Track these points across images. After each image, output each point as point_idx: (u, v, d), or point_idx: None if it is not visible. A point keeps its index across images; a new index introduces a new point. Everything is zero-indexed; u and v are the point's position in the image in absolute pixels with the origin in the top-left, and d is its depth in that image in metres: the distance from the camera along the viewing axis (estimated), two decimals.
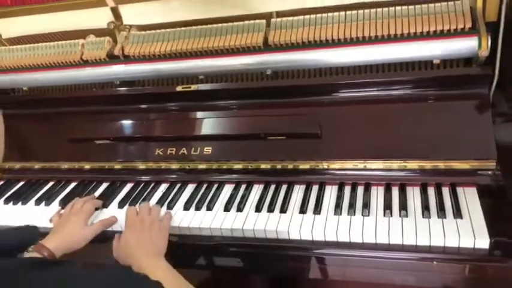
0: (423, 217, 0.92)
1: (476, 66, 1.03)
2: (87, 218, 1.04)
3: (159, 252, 0.90)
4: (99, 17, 1.29)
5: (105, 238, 1.01)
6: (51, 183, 1.30)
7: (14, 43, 1.40)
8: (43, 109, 1.34)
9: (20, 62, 1.34)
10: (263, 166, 1.11)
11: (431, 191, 0.99)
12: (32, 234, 0.51)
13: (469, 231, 0.87)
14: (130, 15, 1.29)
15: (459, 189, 0.98)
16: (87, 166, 1.27)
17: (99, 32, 1.32)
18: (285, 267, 1.00)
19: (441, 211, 0.92)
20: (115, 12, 1.29)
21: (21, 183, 1.32)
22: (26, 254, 0.79)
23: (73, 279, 0.45)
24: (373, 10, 1.10)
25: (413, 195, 0.99)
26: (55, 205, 1.19)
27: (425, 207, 0.94)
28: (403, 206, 0.95)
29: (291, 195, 1.06)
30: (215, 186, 1.14)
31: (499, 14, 1.00)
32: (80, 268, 0.49)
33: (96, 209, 1.12)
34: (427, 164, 1.01)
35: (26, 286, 0.41)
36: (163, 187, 1.18)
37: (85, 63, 1.31)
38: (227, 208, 1.05)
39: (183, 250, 1.02)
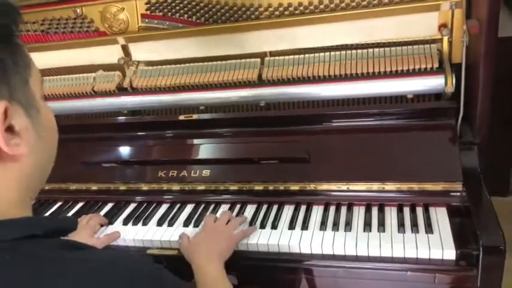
0: (398, 232, 1.03)
1: (444, 101, 1.17)
2: (92, 231, 1.15)
3: (221, 257, 0.99)
4: (111, 54, 1.44)
5: None
6: (59, 203, 1.40)
7: None
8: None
9: None
10: (256, 187, 1.23)
11: (406, 210, 1.10)
12: (73, 223, 0.61)
13: (438, 244, 0.97)
14: (139, 52, 1.43)
15: (431, 209, 1.09)
16: (94, 187, 1.37)
17: (109, 67, 1.47)
18: (276, 278, 1.09)
19: (414, 227, 1.03)
20: (125, 49, 1.44)
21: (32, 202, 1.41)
22: None
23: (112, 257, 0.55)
24: (354, 51, 1.25)
25: (391, 213, 1.10)
26: None
27: (401, 224, 1.05)
28: (381, 223, 1.06)
29: (281, 214, 1.16)
30: (212, 206, 1.25)
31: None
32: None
33: (102, 225, 1.22)
34: (403, 186, 1.12)
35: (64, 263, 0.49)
36: (164, 207, 1.28)
37: (96, 94, 1.45)
38: None
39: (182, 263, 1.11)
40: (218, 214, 1.20)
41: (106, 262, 0.50)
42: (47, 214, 1.34)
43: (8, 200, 0.51)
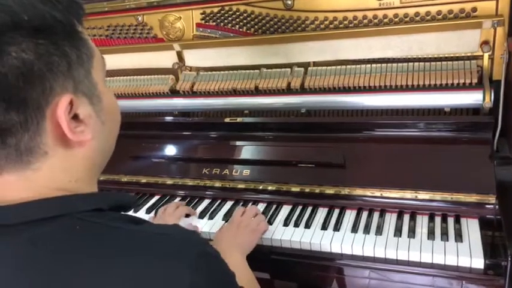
0: (428, 239, 1.06)
1: (482, 116, 1.20)
2: (179, 219, 1.23)
3: (243, 249, 1.05)
4: (167, 59, 1.56)
5: None
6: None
7: None
8: None
9: None
10: (293, 189, 1.29)
11: (437, 219, 1.13)
12: (132, 200, 0.68)
13: (467, 252, 1.00)
14: (192, 58, 1.55)
15: (463, 219, 1.11)
16: (143, 180, 1.49)
17: (164, 71, 1.59)
18: (306, 274, 1.15)
19: (444, 235, 1.06)
20: (179, 55, 1.56)
21: None
22: None
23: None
24: (395, 64, 1.30)
25: (422, 221, 1.13)
26: None
27: (431, 232, 1.08)
28: (412, 230, 1.10)
29: (315, 215, 1.22)
30: (250, 203, 1.32)
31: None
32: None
33: (187, 216, 1.29)
34: (436, 195, 1.14)
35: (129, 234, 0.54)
36: (206, 202, 1.37)
37: (151, 95, 1.57)
38: None
39: None
40: None
41: (161, 232, 0.56)
42: None
43: (77, 179, 0.58)
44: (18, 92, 0.49)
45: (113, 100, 0.63)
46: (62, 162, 0.55)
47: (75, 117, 0.54)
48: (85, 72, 0.55)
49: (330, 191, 1.26)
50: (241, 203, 1.33)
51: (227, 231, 1.11)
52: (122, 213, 0.61)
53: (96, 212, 0.55)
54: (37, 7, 0.49)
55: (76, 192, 0.57)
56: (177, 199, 1.41)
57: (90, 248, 0.51)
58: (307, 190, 1.28)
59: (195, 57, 1.54)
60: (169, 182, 1.45)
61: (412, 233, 1.09)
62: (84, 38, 0.56)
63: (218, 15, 1.47)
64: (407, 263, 1.03)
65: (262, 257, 1.15)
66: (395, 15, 1.27)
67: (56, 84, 0.51)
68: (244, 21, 1.45)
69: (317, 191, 1.27)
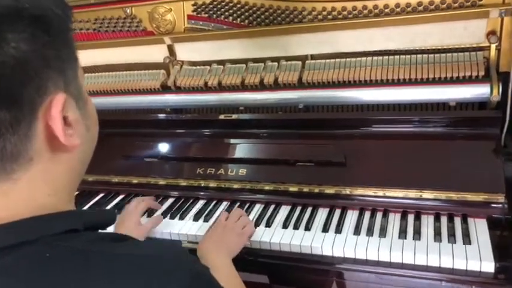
0: (435, 241, 1.01)
1: (489, 110, 1.14)
2: (139, 219, 1.16)
3: (229, 252, 1.02)
4: (157, 53, 1.49)
5: None
6: (101, 195, 1.46)
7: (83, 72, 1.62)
8: (101, 129, 1.52)
9: (87, 88, 1.55)
10: (291, 189, 1.23)
11: (443, 220, 1.08)
12: (112, 217, 0.61)
13: (476, 255, 0.95)
14: (184, 52, 1.48)
15: (470, 220, 1.06)
16: (134, 180, 1.43)
17: (155, 65, 1.52)
18: (306, 279, 1.10)
19: (451, 236, 1.01)
20: (170, 49, 1.49)
21: (76, 193, 1.49)
22: None
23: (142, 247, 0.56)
24: (397, 57, 1.24)
25: (427, 222, 1.08)
26: None
27: (438, 233, 1.03)
28: (417, 231, 1.05)
29: (315, 216, 1.17)
30: (247, 204, 1.26)
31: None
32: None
33: (151, 213, 1.26)
34: (442, 194, 1.09)
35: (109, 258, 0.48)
36: (201, 203, 1.31)
37: (141, 91, 1.51)
38: (257, 223, 1.16)
39: None
40: (253, 212, 1.22)
41: (149, 254, 0.50)
42: (89, 204, 1.40)
43: (56, 191, 0.52)
44: (12, 86, 0.44)
45: (93, 106, 0.59)
46: (45, 171, 0.50)
47: (64, 120, 0.49)
48: (73, 73, 0.52)
49: (330, 190, 1.20)
50: (238, 204, 1.27)
51: (213, 235, 1.06)
52: (100, 231, 0.55)
53: (70, 233, 0.49)
54: None
55: (53, 209, 0.51)
56: (170, 200, 1.35)
57: (63, 279, 0.45)
58: (306, 190, 1.22)
59: (187, 51, 1.47)
60: (161, 182, 1.39)
61: (417, 234, 1.03)
62: (72, 38, 0.53)
63: (211, 6, 1.40)
64: (413, 267, 0.98)
65: (261, 261, 1.10)
66: (397, 5, 1.21)
67: (51, 82, 0.47)
68: (238, 12, 1.38)
69: (316, 190, 1.21)
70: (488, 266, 0.93)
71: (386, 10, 1.22)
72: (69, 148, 0.50)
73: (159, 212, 1.28)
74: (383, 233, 1.06)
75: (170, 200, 1.35)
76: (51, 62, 0.47)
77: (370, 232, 1.07)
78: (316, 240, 1.08)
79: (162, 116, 1.49)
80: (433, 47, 1.22)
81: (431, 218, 1.09)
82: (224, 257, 0.99)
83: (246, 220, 1.13)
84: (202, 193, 1.33)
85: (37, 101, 0.46)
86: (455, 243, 1.00)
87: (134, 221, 1.14)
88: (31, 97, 0.45)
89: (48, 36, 0.46)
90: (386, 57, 1.25)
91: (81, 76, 0.56)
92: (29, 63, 0.44)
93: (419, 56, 1.22)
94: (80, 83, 0.54)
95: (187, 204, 1.32)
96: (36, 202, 0.50)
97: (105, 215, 0.60)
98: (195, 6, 1.42)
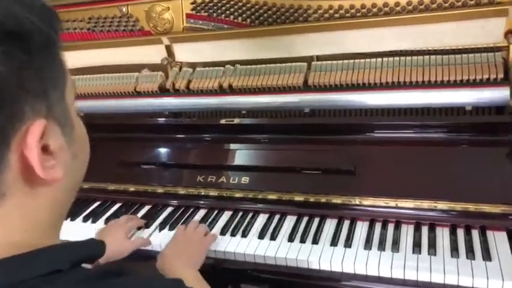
0: (452, 257, 0.95)
1: (508, 115, 1.07)
2: (128, 233, 1.14)
3: (194, 264, 0.99)
4: (155, 54, 1.42)
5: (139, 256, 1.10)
6: (97, 203, 1.39)
7: (77, 74, 1.55)
8: (96, 133, 1.45)
9: (81, 90, 1.48)
10: (296, 198, 1.17)
11: (460, 232, 1.01)
12: (100, 249, 0.55)
13: (497, 273, 0.89)
14: (183, 53, 1.41)
15: (489, 232, 1.00)
16: (131, 188, 1.36)
17: (152, 67, 1.45)
18: None
19: (470, 252, 0.94)
20: (169, 50, 1.42)
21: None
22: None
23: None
24: (409, 58, 1.17)
25: (443, 235, 1.02)
26: (101, 223, 1.28)
27: (454, 248, 0.96)
28: (432, 245, 0.98)
29: (323, 228, 1.10)
30: (250, 214, 1.20)
31: None
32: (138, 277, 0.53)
33: (139, 228, 1.20)
34: (457, 206, 1.03)
35: None
36: (201, 212, 1.25)
37: (138, 94, 1.44)
38: (261, 236, 1.10)
39: (216, 272, 1.08)
40: (257, 223, 1.15)
41: None
42: (85, 214, 1.34)
43: (34, 227, 0.46)
44: None
45: (83, 128, 0.52)
46: (20, 206, 0.43)
47: (45, 149, 0.42)
48: (59, 94, 0.45)
49: (337, 200, 1.13)
50: (241, 214, 1.21)
51: (173, 250, 1.02)
52: (90, 267, 0.49)
53: (53, 275, 0.43)
54: (12, 8, 0.40)
55: (33, 246, 0.44)
56: (169, 209, 1.29)
57: None
58: (312, 199, 1.16)
59: (185, 52, 1.40)
60: (160, 190, 1.32)
61: (432, 249, 0.97)
62: (60, 53, 0.46)
63: (210, 4, 1.33)
64: (430, 285, 0.92)
65: (266, 277, 1.04)
66: (409, 3, 1.14)
67: (28, 107, 0.40)
68: (240, 11, 1.31)
69: (323, 200, 1.15)
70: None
71: (398, 8, 1.15)
72: (48, 182, 0.43)
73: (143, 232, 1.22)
74: (396, 247, 0.99)
75: (169, 210, 1.29)
76: (29, 83, 0.41)
77: (381, 246, 1.01)
78: (324, 255, 1.01)
79: (160, 120, 1.42)
80: (448, 48, 1.15)
81: (446, 231, 1.03)
82: (192, 270, 0.96)
83: (204, 228, 1.12)
84: (202, 202, 1.27)
85: (9, 130, 0.39)
86: (474, 259, 0.93)
87: (122, 233, 1.11)
88: (3, 126, 0.39)
89: (26, 55, 0.40)
90: (398, 58, 1.18)
91: (71, 93, 0.49)
92: (2, 86, 0.38)
93: (432, 57, 1.15)
94: (67, 105, 0.47)
95: (187, 214, 1.25)
96: (9, 240, 0.43)
97: (93, 247, 0.53)
98: (194, 5, 1.35)
